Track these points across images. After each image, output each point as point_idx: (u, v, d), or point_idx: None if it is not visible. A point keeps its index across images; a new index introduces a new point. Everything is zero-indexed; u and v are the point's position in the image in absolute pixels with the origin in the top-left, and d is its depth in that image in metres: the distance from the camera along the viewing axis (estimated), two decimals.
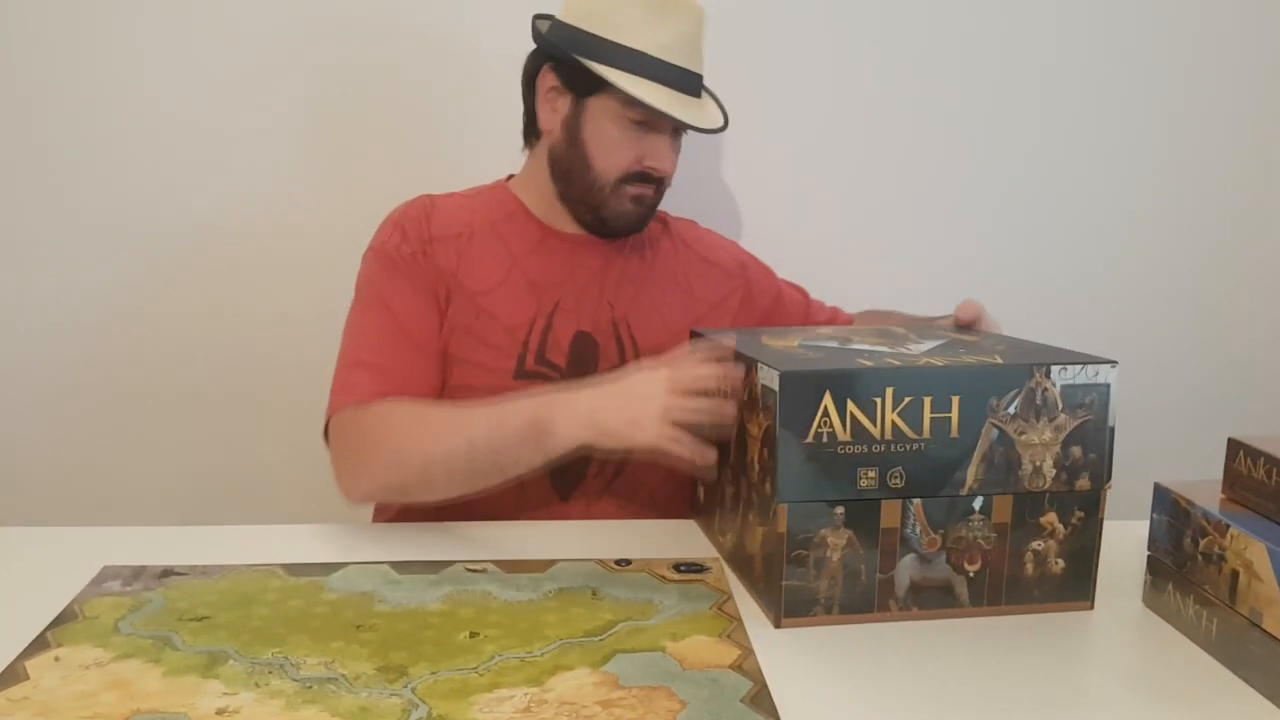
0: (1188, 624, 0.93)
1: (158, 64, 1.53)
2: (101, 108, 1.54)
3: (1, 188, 1.56)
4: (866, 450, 0.90)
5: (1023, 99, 1.66)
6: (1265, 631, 0.83)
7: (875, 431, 0.90)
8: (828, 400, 0.89)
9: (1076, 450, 0.94)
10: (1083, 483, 0.94)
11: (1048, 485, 0.94)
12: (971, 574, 0.94)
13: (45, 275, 1.59)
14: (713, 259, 1.40)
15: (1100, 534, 0.96)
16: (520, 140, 1.35)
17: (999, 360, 0.94)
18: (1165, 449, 1.60)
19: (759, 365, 0.94)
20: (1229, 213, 1.73)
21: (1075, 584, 0.96)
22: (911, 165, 1.66)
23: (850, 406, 0.89)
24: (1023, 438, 0.93)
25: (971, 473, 0.92)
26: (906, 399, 0.90)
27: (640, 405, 1.02)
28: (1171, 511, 0.95)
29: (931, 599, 0.94)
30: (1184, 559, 0.93)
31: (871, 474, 0.91)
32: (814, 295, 1.50)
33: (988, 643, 0.91)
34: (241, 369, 1.63)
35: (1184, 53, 1.67)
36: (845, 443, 0.90)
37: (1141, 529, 0.99)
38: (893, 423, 0.90)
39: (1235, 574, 0.87)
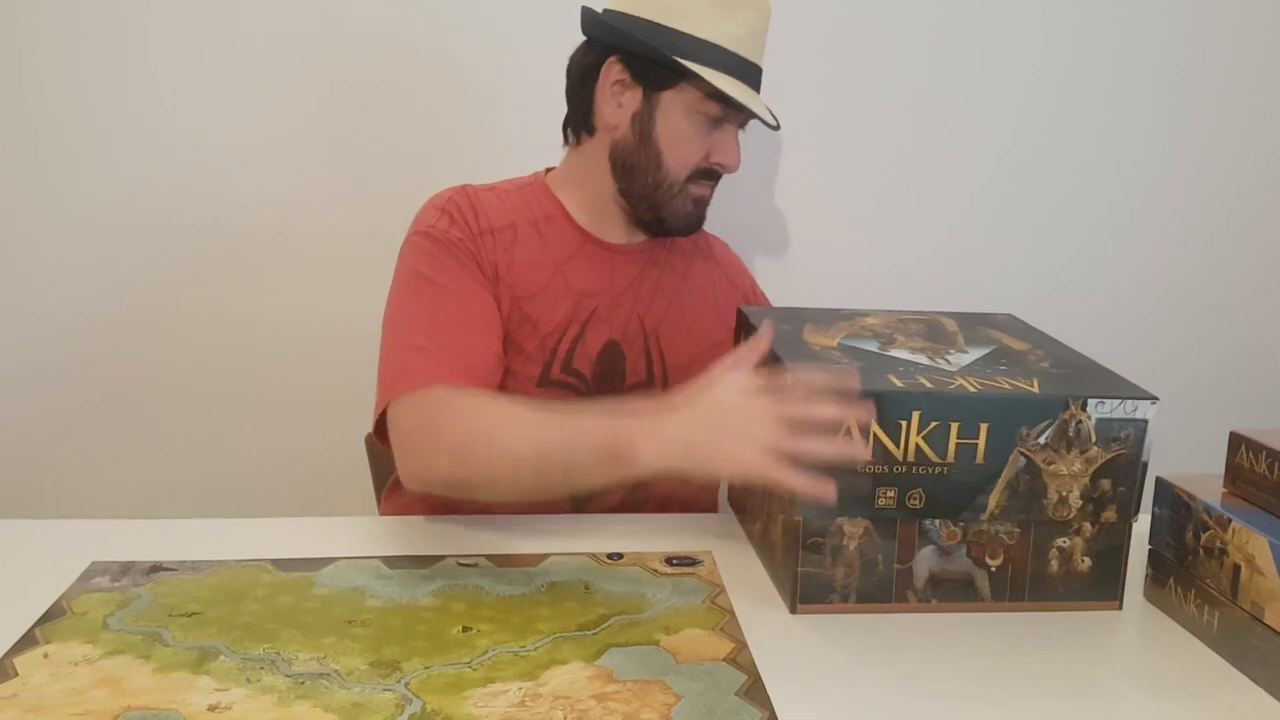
0: (1189, 618, 0.92)
1: (163, 63, 1.52)
2: (105, 109, 1.53)
3: (3, 187, 1.54)
4: (887, 470, 0.89)
5: (1021, 90, 1.65)
6: (1267, 626, 0.83)
7: (898, 453, 0.89)
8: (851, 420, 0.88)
9: (1106, 482, 0.92)
10: (1109, 514, 0.93)
11: (1072, 515, 0.92)
12: (993, 568, 0.93)
13: (39, 271, 1.58)
14: (736, 282, 1.38)
15: (1130, 533, 0.94)
16: (554, 135, 1.29)
17: (1035, 388, 0.92)
18: (1166, 443, 1.59)
19: (789, 372, 0.93)
20: (1232, 203, 1.71)
21: (1102, 584, 0.95)
22: (909, 160, 1.65)
23: (874, 427, 0.88)
24: (1051, 467, 0.91)
25: (994, 499, 0.91)
26: (933, 424, 0.89)
27: (739, 438, 0.90)
28: (1173, 506, 0.95)
29: (951, 592, 0.93)
30: (1185, 553, 0.93)
31: (890, 493, 0.90)
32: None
33: (989, 637, 0.90)
34: (231, 364, 1.62)
35: (1184, 40, 1.65)
36: (866, 462, 0.89)
37: (1143, 523, 0.98)
38: (916, 445, 0.89)
39: (1237, 568, 0.86)
